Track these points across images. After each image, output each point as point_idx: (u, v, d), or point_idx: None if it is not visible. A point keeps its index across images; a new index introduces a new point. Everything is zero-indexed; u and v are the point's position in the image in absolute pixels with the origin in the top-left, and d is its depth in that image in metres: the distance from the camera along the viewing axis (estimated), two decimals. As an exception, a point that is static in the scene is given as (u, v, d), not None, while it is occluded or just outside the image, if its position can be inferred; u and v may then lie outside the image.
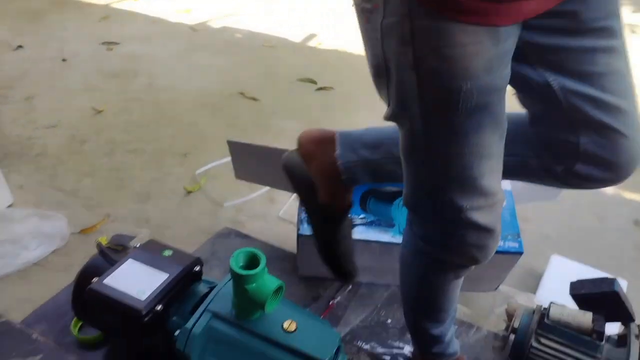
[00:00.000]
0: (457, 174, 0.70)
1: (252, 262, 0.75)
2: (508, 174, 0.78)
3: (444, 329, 0.97)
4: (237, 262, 0.75)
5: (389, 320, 1.23)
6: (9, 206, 1.57)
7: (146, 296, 0.80)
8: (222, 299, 0.83)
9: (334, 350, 0.77)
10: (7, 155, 1.87)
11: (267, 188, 1.73)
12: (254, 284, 0.74)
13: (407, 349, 1.16)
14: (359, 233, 1.20)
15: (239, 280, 0.74)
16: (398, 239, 1.18)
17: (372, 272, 1.29)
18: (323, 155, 0.99)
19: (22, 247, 1.39)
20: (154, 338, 0.85)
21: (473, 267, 0.82)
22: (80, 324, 1.10)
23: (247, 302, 0.76)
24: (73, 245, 1.45)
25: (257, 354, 0.78)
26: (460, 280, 0.90)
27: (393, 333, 1.20)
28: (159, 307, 0.80)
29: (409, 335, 1.11)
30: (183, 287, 0.86)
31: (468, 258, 0.78)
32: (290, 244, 1.39)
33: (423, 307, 0.95)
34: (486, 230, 0.73)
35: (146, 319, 0.78)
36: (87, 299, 0.83)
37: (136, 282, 0.82)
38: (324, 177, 1.01)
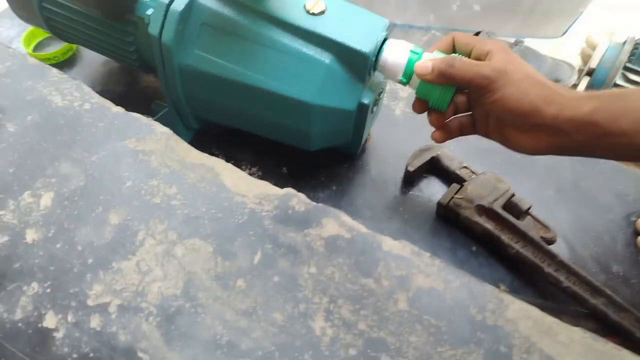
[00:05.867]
0: None
1: None
2: None
3: None
4: None
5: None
6: None
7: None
8: (213, -32, 0.55)
9: (381, 41, 0.53)
10: None
11: None
12: None
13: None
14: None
15: None
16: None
17: (409, 9, 1.00)
18: None
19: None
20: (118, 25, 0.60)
21: None
22: (36, 41, 0.84)
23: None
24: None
25: (265, 44, 0.53)
26: None
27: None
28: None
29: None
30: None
31: None
32: None
33: None
34: None
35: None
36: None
37: None
38: None
